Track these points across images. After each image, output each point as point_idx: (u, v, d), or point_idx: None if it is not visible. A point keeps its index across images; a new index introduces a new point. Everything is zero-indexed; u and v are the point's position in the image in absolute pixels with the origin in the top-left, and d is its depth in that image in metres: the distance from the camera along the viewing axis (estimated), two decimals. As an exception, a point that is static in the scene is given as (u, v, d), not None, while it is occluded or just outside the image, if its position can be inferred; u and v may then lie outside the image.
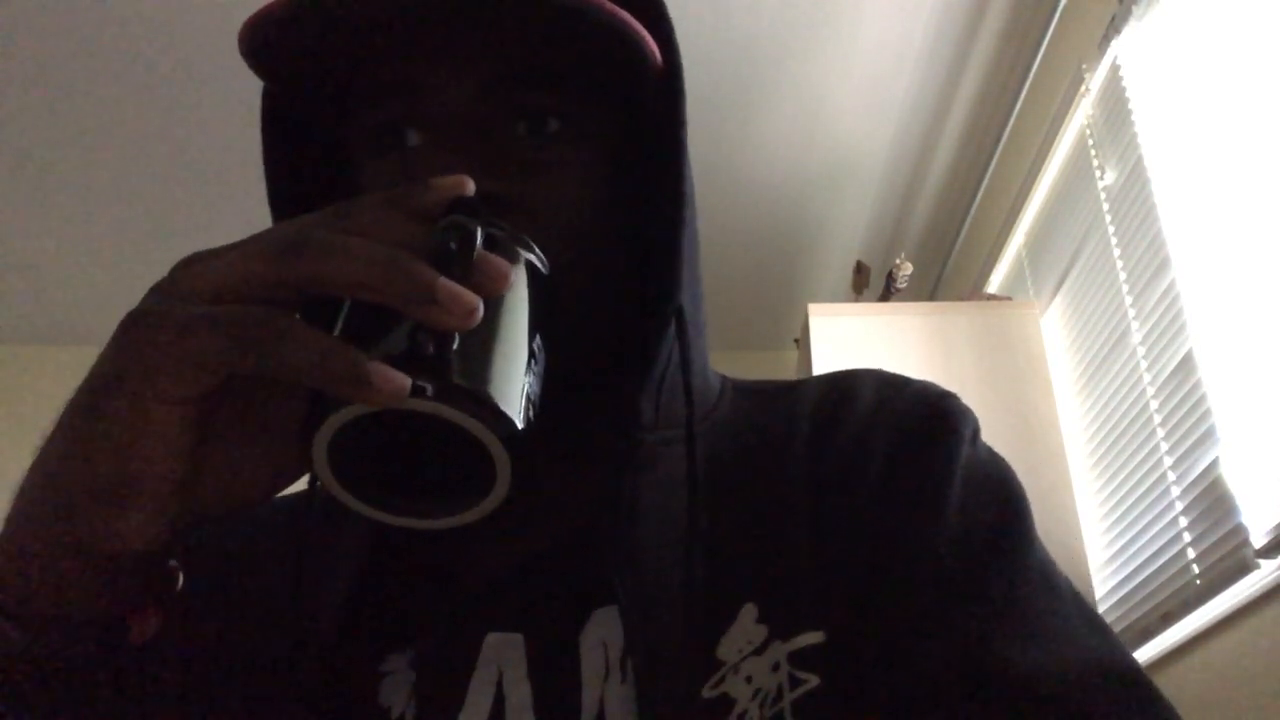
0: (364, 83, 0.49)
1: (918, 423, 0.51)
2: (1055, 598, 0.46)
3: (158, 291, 0.36)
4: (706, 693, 0.44)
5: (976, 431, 0.53)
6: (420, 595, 0.52)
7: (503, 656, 0.48)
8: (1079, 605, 0.46)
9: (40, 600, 0.37)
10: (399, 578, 0.52)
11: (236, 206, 2.80)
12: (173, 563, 0.42)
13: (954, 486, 0.48)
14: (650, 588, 0.46)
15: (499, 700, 0.46)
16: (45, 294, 3.34)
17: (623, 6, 0.47)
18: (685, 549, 0.47)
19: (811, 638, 0.45)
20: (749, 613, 0.46)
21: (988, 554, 0.46)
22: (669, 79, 0.50)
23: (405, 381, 0.33)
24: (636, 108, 0.51)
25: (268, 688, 0.48)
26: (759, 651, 0.45)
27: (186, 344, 0.34)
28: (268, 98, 0.52)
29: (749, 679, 0.44)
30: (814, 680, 0.44)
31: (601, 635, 0.47)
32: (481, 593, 0.51)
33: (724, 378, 0.60)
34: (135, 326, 0.35)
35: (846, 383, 0.55)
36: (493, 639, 0.48)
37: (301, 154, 0.54)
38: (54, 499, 0.36)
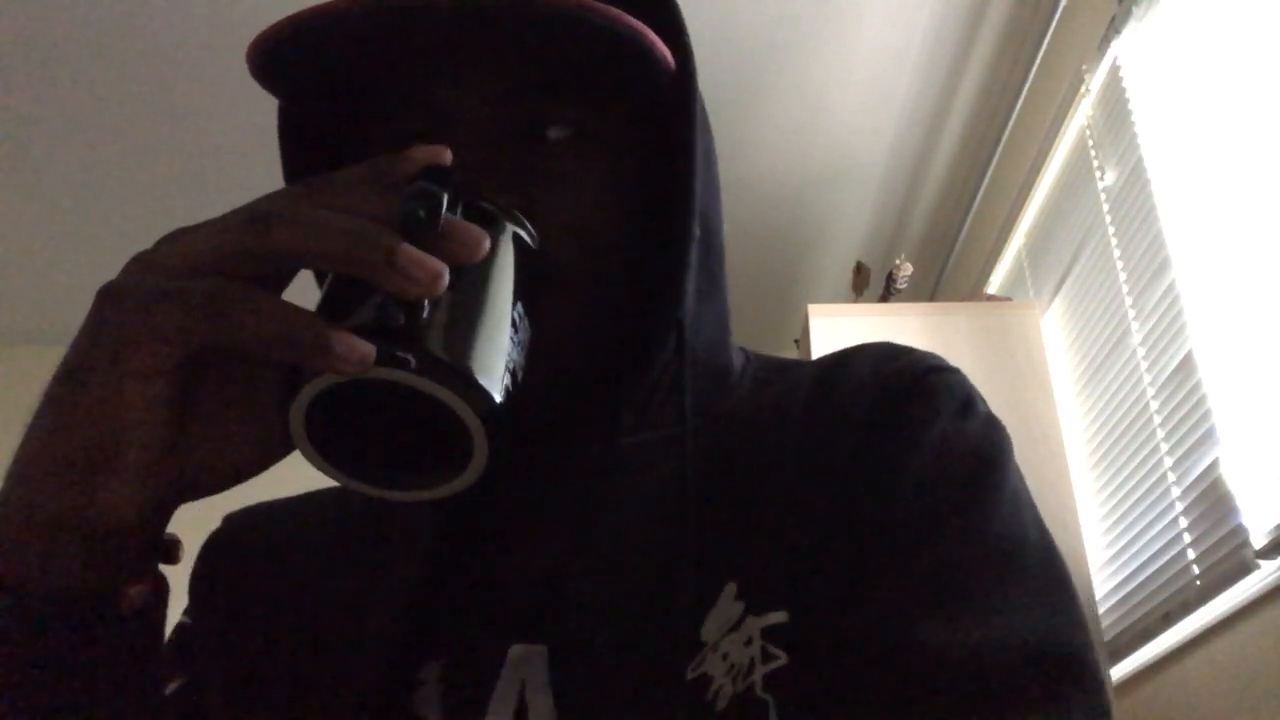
0: (375, 95, 0.49)
1: (895, 395, 0.50)
2: (1007, 569, 0.44)
3: (136, 263, 0.37)
4: (690, 674, 0.44)
5: (967, 404, 0.50)
6: (453, 605, 0.52)
7: (526, 667, 0.48)
8: (1040, 577, 0.44)
9: (30, 573, 0.37)
10: (448, 588, 0.52)
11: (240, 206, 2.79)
12: (171, 534, 0.42)
13: (915, 462, 0.47)
14: (621, 584, 0.47)
15: (521, 710, 0.46)
16: (45, 294, 3.34)
17: (636, 12, 0.46)
18: (665, 551, 0.47)
19: (778, 616, 0.45)
20: (729, 591, 0.46)
21: (931, 528, 0.45)
22: (682, 86, 0.50)
23: (369, 350, 0.33)
24: (651, 115, 0.51)
25: (313, 690, 0.49)
26: (735, 628, 0.45)
27: (153, 318, 0.34)
28: (283, 108, 0.52)
29: (725, 656, 0.45)
30: (783, 657, 0.44)
31: None
32: (509, 603, 0.51)
33: (747, 358, 0.59)
34: (106, 301, 0.36)
35: (847, 356, 0.54)
36: (517, 650, 0.48)
37: (320, 159, 0.54)
38: (38, 473, 0.37)
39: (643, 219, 0.51)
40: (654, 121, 0.51)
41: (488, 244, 0.36)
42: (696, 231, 0.51)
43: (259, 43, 0.45)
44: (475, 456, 0.36)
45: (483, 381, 0.35)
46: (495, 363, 0.36)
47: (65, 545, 0.37)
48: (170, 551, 0.42)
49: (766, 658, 0.44)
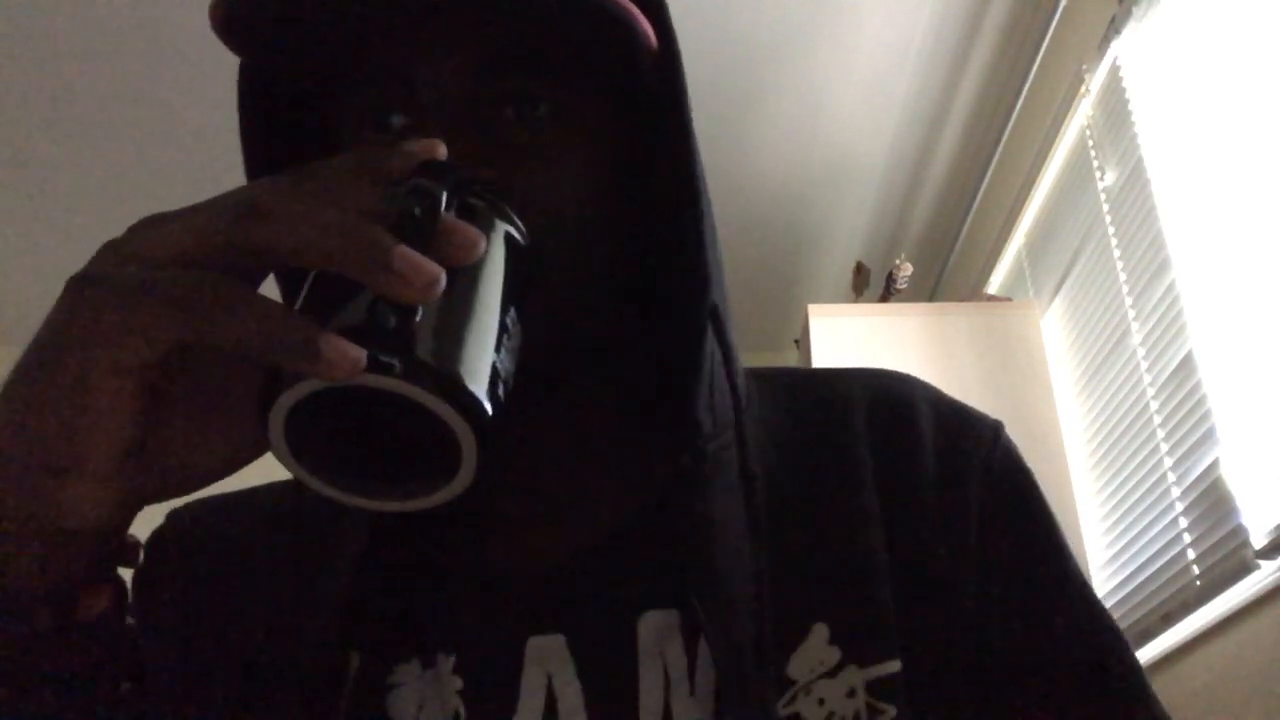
0: (348, 64, 0.47)
1: (1010, 487, 0.53)
2: (1127, 656, 0.50)
3: (109, 251, 0.35)
4: (780, 711, 0.44)
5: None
6: (448, 599, 0.50)
7: (548, 659, 0.47)
8: (1137, 663, 0.51)
9: None
10: (404, 581, 0.50)
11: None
12: (132, 536, 0.40)
13: (1069, 560, 0.52)
14: (725, 602, 0.45)
15: (550, 702, 0.46)
16: (44, 294, 3.34)
17: None
18: (753, 559, 0.46)
19: (889, 667, 0.45)
20: (820, 633, 0.45)
21: (1108, 637, 0.50)
22: (665, 64, 0.48)
23: (360, 355, 0.31)
24: (635, 94, 0.49)
25: (262, 694, 0.47)
26: (831, 674, 0.45)
27: (131, 312, 0.32)
28: (245, 72, 0.49)
29: (821, 701, 0.44)
30: (892, 711, 0.44)
31: (657, 641, 0.46)
32: (518, 595, 0.49)
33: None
34: (80, 291, 0.33)
35: (897, 396, 0.54)
36: (536, 642, 0.47)
37: (282, 132, 0.51)
38: None
39: (642, 204, 0.50)
40: (638, 104, 0.49)
41: (484, 245, 0.35)
42: (706, 214, 0.49)
43: None
44: (463, 468, 0.35)
45: (474, 390, 0.33)
46: (485, 369, 0.35)
47: (21, 545, 0.35)
48: (129, 554, 0.40)
49: (873, 713, 0.44)
